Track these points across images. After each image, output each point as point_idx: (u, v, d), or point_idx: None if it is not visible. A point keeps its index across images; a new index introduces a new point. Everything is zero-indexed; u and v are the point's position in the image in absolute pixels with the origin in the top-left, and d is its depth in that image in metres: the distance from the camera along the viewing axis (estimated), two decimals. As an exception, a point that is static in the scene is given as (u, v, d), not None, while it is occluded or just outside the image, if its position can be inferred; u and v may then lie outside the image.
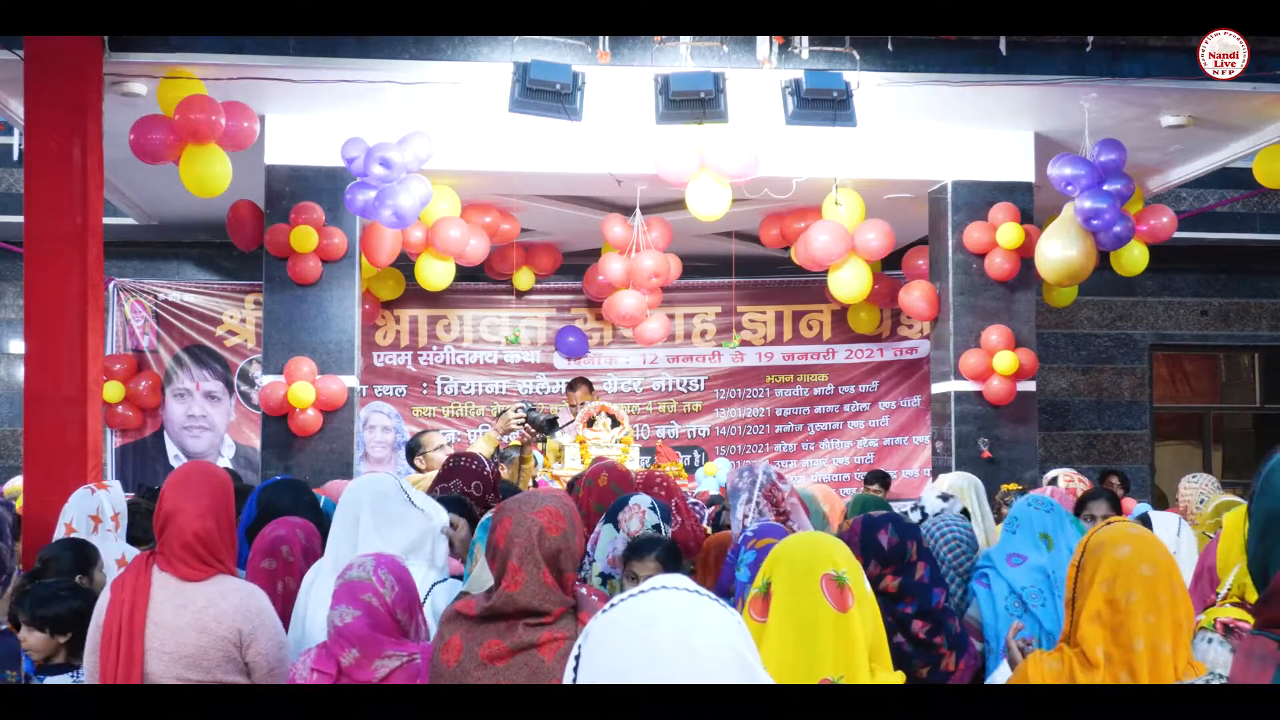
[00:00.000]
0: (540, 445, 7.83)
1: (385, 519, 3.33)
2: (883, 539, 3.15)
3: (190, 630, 2.86)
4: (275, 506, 4.00)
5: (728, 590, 3.27)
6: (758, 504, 3.86)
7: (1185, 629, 2.31)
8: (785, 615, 2.19)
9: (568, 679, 1.41)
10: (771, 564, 2.29)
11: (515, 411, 5.79)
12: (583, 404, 9.18)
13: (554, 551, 2.40)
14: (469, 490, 4.43)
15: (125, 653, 2.80)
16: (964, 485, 5.49)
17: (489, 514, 3.90)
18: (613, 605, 1.43)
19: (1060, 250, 7.49)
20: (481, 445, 5.49)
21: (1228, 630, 2.84)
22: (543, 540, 2.39)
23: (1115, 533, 2.41)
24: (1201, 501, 5.41)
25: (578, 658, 1.42)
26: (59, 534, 4.21)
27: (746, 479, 3.92)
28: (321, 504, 4.41)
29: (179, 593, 2.90)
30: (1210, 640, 2.86)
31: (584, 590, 2.70)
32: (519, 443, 6.23)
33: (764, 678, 1.41)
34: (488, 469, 4.61)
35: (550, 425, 5.98)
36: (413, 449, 6.49)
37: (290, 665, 2.92)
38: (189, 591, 2.90)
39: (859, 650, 2.20)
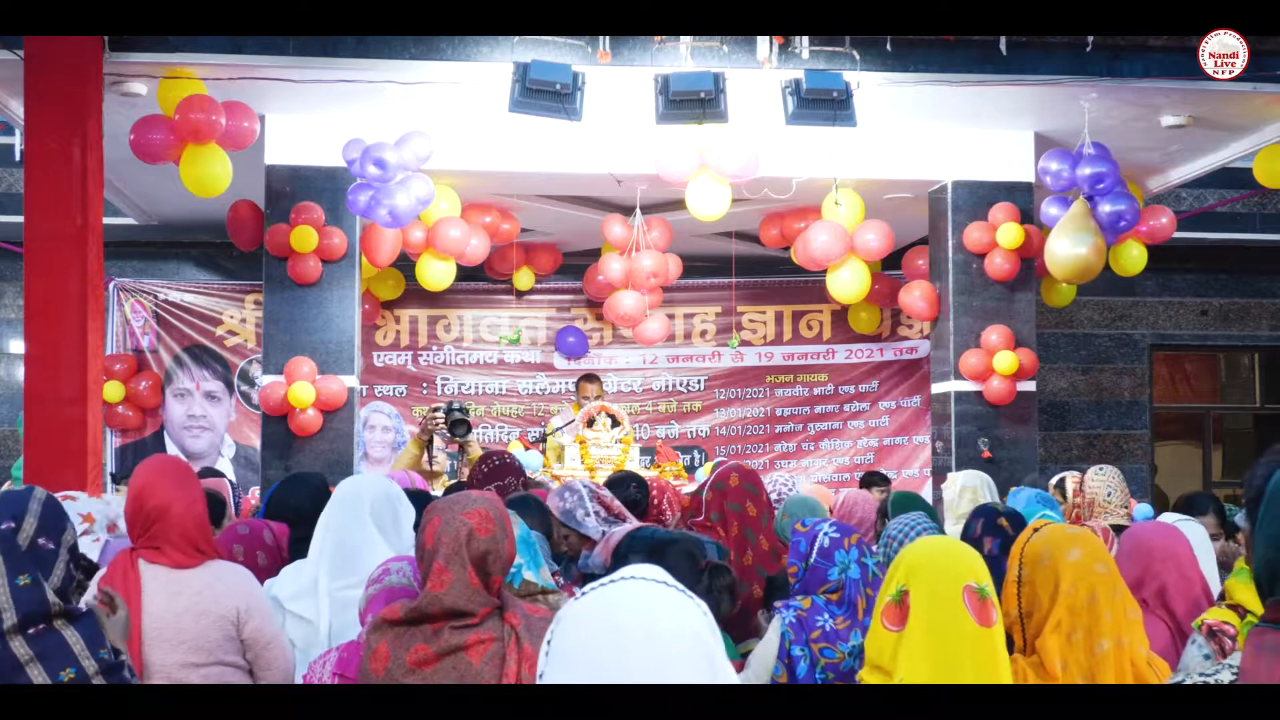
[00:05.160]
0: (538, 444, 7.85)
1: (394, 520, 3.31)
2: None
3: (189, 615, 2.91)
4: (291, 506, 3.82)
5: (826, 589, 3.13)
6: (596, 511, 4.02)
7: (1138, 625, 2.32)
8: (926, 627, 2.08)
9: (540, 663, 1.46)
10: (906, 571, 2.17)
11: (432, 413, 5.84)
12: (597, 398, 9.23)
13: (482, 553, 2.39)
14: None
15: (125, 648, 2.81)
16: (976, 484, 5.60)
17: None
18: (584, 594, 1.48)
19: (1070, 247, 7.43)
20: (411, 448, 5.51)
21: (1211, 633, 2.81)
22: (471, 541, 2.38)
23: (1055, 539, 2.38)
24: (1109, 495, 5.21)
25: (549, 642, 1.47)
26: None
27: (571, 498, 4.09)
28: None
29: (172, 581, 2.95)
30: (1194, 641, 2.85)
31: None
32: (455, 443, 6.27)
33: (726, 667, 1.45)
34: (518, 464, 4.66)
35: (457, 426, 5.98)
36: None
37: (308, 663, 2.91)
38: (183, 579, 2.95)
39: (1000, 669, 2.09)
